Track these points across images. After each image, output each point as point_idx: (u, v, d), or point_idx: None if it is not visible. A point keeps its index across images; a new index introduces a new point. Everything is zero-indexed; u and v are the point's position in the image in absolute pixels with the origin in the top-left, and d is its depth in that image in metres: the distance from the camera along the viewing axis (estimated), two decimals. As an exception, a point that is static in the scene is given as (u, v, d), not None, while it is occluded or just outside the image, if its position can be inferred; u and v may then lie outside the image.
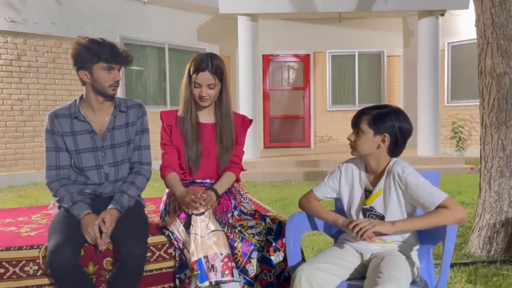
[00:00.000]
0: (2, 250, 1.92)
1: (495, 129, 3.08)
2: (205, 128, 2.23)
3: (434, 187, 1.77)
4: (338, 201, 2.07)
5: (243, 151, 2.35)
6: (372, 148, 1.83)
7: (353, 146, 1.87)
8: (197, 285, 1.86)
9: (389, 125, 1.80)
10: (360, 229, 1.71)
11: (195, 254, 1.89)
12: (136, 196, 2.16)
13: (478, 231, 3.16)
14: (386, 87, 10.14)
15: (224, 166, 2.24)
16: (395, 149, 1.85)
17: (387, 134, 1.81)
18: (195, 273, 1.87)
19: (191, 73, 2.13)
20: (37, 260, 1.91)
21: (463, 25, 8.62)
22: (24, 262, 1.90)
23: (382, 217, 1.84)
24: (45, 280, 1.91)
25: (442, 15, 7.86)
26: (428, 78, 7.74)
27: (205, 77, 2.10)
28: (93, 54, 1.99)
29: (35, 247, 1.94)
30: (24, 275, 1.90)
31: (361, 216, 1.88)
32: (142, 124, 2.21)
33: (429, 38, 7.73)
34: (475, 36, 3.26)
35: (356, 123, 1.86)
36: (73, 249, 1.82)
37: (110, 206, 2.03)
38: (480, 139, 3.22)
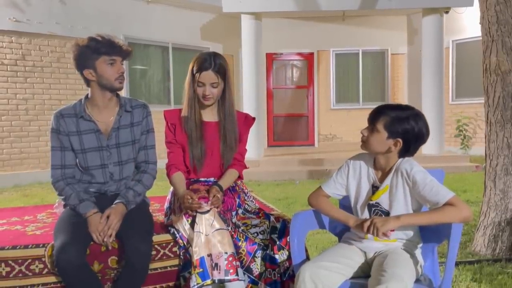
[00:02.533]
0: (8, 249, 1.93)
1: (500, 127, 3.07)
2: (208, 127, 2.24)
3: (441, 185, 1.77)
4: (343, 199, 2.07)
5: (246, 149, 2.36)
6: (382, 148, 1.82)
7: (365, 141, 1.86)
8: (198, 283, 1.87)
9: (404, 130, 1.78)
10: (374, 228, 1.71)
11: (198, 252, 1.90)
12: (142, 193, 2.17)
13: (483, 230, 3.15)
14: (390, 85, 10.11)
15: (227, 164, 2.25)
16: (406, 153, 1.84)
17: (400, 140, 1.79)
18: (197, 270, 1.88)
19: (194, 72, 2.14)
20: (43, 259, 1.92)
21: (468, 23, 8.58)
22: (30, 260, 1.92)
23: (387, 213, 1.84)
24: (51, 279, 1.92)
25: (447, 12, 7.82)
26: (433, 76, 7.71)
27: (208, 76, 2.11)
28: (93, 50, 2.01)
29: (41, 245, 1.95)
30: (30, 274, 1.91)
31: (366, 211, 1.88)
32: (147, 124, 2.23)
33: (433, 36, 7.70)
34: (479, 34, 3.25)
35: (373, 120, 1.83)
36: (79, 248, 1.84)
37: (115, 202, 2.05)
38: (485, 137, 3.21)
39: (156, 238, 2.05)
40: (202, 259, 1.89)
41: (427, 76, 7.78)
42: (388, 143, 1.81)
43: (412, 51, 9.87)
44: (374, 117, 1.83)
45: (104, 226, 1.94)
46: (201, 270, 1.88)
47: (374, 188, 1.89)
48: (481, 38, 3.22)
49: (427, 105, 7.75)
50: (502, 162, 3.06)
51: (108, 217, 1.97)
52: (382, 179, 1.88)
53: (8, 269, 1.90)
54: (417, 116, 1.82)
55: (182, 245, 2.03)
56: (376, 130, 1.81)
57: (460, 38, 9.00)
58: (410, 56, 9.95)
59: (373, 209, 1.88)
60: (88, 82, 2.09)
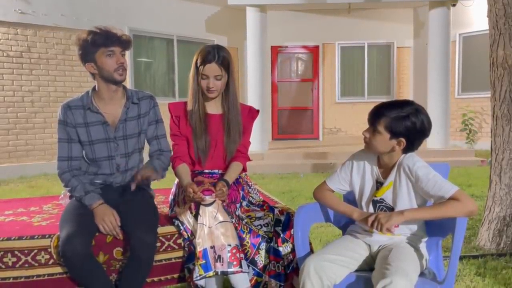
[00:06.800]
0: (14, 239, 1.95)
1: (506, 121, 3.05)
2: (212, 119, 2.24)
3: (444, 180, 1.76)
4: (347, 193, 2.07)
5: (249, 142, 2.36)
6: (386, 149, 1.81)
7: (367, 143, 1.85)
8: (200, 274, 1.88)
9: (407, 129, 1.75)
10: (378, 223, 1.71)
11: (201, 243, 1.91)
12: (161, 170, 2.20)
13: (488, 224, 3.14)
14: (396, 78, 10.05)
15: (230, 156, 2.25)
16: (410, 149, 1.83)
17: (403, 139, 1.77)
18: (200, 262, 1.89)
19: (198, 64, 2.14)
20: (49, 249, 1.93)
21: (475, 16, 8.50)
22: (36, 251, 1.93)
23: (392, 209, 1.84)
24: (57, 269, 1.94)
25: (454, 5, 7.74)
26: (439, 69, 7.65)
27: (212, 68, 2.11)
28: (92, 43, 2.02)
29: (47, 236, 1.96)
30: (36, 264, 1.93)
31: (371, 207, 1.88)
32: (155, 114, 2.25)
33: (440, 29, 7.63)
34: (487, 27, 3.22)
35: (373, 122, 1.81)
36: (85, 239, 1.85)
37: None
38: (491, 131, 3.19)
39: (161, 230, 2.06)
40: (204, 251, 1.90)
41: (433, 70, 7.73)
42: (391, 143, 1.79)
43: (418, 45, 9.80)
44: (374, 119, 1.80)
45: (111, 216, 1.95)
46: (203, 261, 1.89)
47: (378, 184, 1.89)
48: (488, 31, 3.19)
49: (432, 99, 7.71)
50: (508, 157, 3.05)
51: (114, 203, 2.02)
52: (385, 175, 1.87)
53: (14, 259, 1.92)
54: (417, 111, 1.78)
55: (186, 237, 2.04)
56: (378, 132, 1.79)
57: (467, 31, 8.92)
58: (416, 49, 9.88)
59: (377, 205, 1.88)
60: (93, 75, 2.10)
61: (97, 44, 2.01)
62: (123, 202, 2.07)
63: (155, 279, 2.05)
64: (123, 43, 2.08)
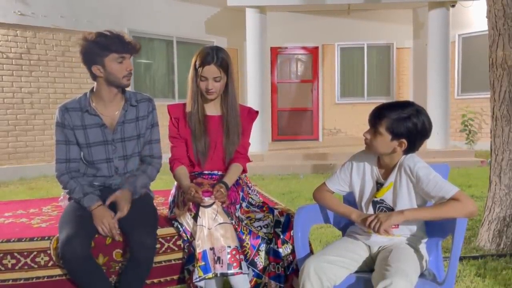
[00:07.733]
0: (14, 241, 1.94)
1: (506, 122, 3.05)
2: (212, 121, 2.24)
3: (445, 180, 1.76)
4: (347, 194, 2.07)
5: (249, 143, 2.36)
6: (388, 150, 1.81)
7: (368, 144, 1.85)
8: (200, 276, 1.88)
9: (408, 130, 1.75)
10: (377, 223, 1.70)
11: (200, 245, 1.91)
12: (147, 184, 2.19)
13: (488, 225, 3.14)
14: (396, 79, 10.05)
15: (229, 157, 2.25)
16: (411, 150, 1.83)
17: (404, 140, 1.77)
18: (199, 264, 1.89)
19: (197, 66, 2.14)
20: (48, 251, 1.93)
21: (474, 17, 8.50)
22: (35, 253, 1.93)
23: (391, 210, 1.83)
24: (56, 271, 1.94)
25: (453, 6, 7.75)
26: (438, 70, 7.65)
27: (211, 70, 2.11)
28: (102, 47, 1.99)
29: (46, 238, 1.96)
30: (36, 266, 1.93)
31: (371, 208, 1.88)
32: (153, 118, 2.24)
33: (439, 30, 7.63)
34: (486, 28, 3.22)
35: (374, 123, 1.80)
36: (84, 240, 1.85)
37: (122, 188, 2.07)
38: (491, 132, 3.19)
39: (161, 231, 2.06)
40: (204, 252, 1.90)
41: (433, 71, 7.73)
42: (392, 145, 1.79)
43: (417, 45, 9.80)
44: (375, 120, 1.80)
45: (110, 218, 1.95)
46: (203, 263, 1.89)
47: (378, 185, 1.89)
48: (487, 32, 3.19)
49: (432, 100, 7.71)
50: (508, 157, 3.05)
51: (114, 204, 1.99)
52: (386, 176, 1.87)
53: (13, 261, 1.92)
54: (418, 112, 1.78)
55: (186, 238, 2.04)
56: (379, 133, 1.78)
57: (466, 32, 8.92)
58: (416, 50, 9.88)
59: (377, 206, 1.87)
60: (95, 77, 2.09)
61: (109, 48, 1.99)
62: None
63: (155, 280, 2.05)
64: (134, 51, 2.07)
